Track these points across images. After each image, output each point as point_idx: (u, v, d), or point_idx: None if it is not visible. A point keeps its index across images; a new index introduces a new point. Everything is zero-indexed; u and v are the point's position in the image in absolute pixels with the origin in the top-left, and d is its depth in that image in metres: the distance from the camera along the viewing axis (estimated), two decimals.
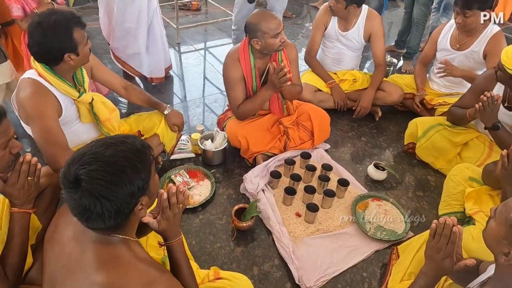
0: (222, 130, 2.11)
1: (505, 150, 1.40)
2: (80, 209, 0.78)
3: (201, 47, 3.48)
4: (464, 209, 1.69)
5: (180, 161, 2.08)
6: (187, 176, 1.92)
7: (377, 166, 2.04)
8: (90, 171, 0.76)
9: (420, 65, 2.58)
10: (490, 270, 1.06)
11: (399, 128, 2.49)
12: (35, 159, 1.16)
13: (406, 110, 2.61)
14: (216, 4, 4.07)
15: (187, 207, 1.78)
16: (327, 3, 2.40)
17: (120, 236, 0.87)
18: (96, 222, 0.80)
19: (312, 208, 1.71)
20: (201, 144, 2.03)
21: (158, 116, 1.87)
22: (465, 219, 1.66)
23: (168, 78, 2.86)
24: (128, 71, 2.58)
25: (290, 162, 1.97)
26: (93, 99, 1.59)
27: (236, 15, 2.89)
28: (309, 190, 1.80)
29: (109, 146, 0.81)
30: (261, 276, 1.52)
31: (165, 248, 1.06)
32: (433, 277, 1.10)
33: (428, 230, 1.48)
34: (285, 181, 1.94)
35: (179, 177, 1.91)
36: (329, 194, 1.79)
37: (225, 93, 2.79)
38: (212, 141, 2.08)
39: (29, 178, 1.16)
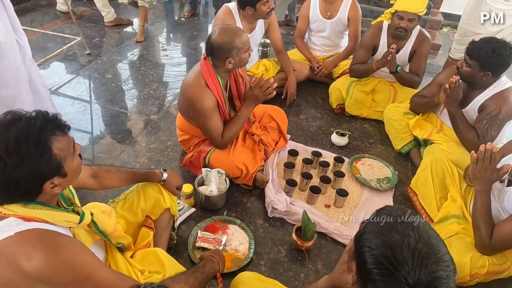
0: (205, 168, 1.84)
1: (447, 84, 1.91)
2: None
3: (57, 86, 2.67)
4: (415, 137, 2.22)
5: (184, 224, 1.72)
6: (211, 235, 1.64)
7: (337, 133, 2.31)
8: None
9: (299, 39, 2.93)
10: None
11: (314, 96, 2.83)
12: None
13: (306, 80, 2.95)
14: (30, 29, 3.10)
15: (244, 263, 1.56)
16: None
17: None
18: None
19: (341, 193, 1.84)
20: (203, 191, 1.74)
21: (152, 187, 1.45)
22: (422, 143, 2.19)
23: None
24: None
25: (289, 165, 1.97)
26: (92, 214, 1.10)
27: None
28: (325, 180, 1.90)
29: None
30: None
31: None
32: (488, 190, 1.48)
33: (424, 162, 1.91)
34: None
35: (203, 242, 1.60)
36: (340, 174, 1.95)
37: (154, 124, 2.37)
38: (204, 184, 1.80)
39: None
